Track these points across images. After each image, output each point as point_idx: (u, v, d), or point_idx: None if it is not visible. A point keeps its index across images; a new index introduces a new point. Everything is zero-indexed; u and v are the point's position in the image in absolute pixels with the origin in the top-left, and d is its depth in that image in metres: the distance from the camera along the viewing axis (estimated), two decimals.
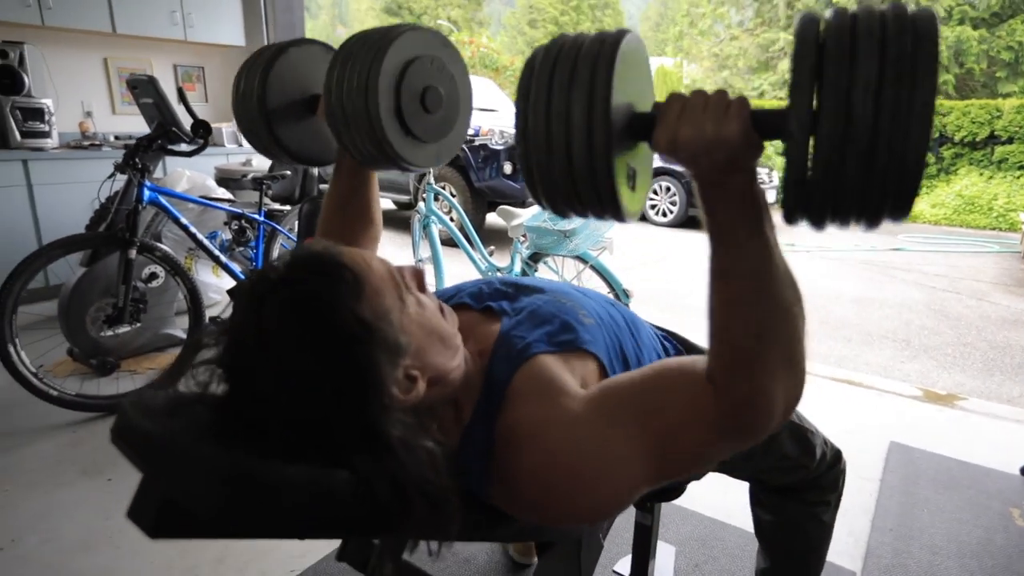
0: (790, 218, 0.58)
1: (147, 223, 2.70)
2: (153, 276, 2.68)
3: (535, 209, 2.89)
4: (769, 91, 14.75)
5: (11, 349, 2.05)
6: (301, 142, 1.00)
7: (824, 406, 2.50)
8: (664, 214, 7.38)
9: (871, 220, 0.55)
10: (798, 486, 1.11)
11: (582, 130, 0.56)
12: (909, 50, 0.49)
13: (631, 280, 4.31)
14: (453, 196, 5.59)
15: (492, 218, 6.04)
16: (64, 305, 2.41)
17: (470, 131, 5.18)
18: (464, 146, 5.41)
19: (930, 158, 9.37)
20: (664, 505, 1.78)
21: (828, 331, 3.59)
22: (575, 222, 2.63)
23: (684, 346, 1.03)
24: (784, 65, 14.66)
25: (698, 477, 0.97)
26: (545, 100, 0.58)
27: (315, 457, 0.57)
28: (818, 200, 0.54)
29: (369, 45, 0.84)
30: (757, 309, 0.60)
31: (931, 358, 3.22)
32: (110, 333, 2.30)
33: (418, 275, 0.71)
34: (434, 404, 0.69)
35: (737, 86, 15.74)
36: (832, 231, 0.59)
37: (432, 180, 3.32)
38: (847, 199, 0.53)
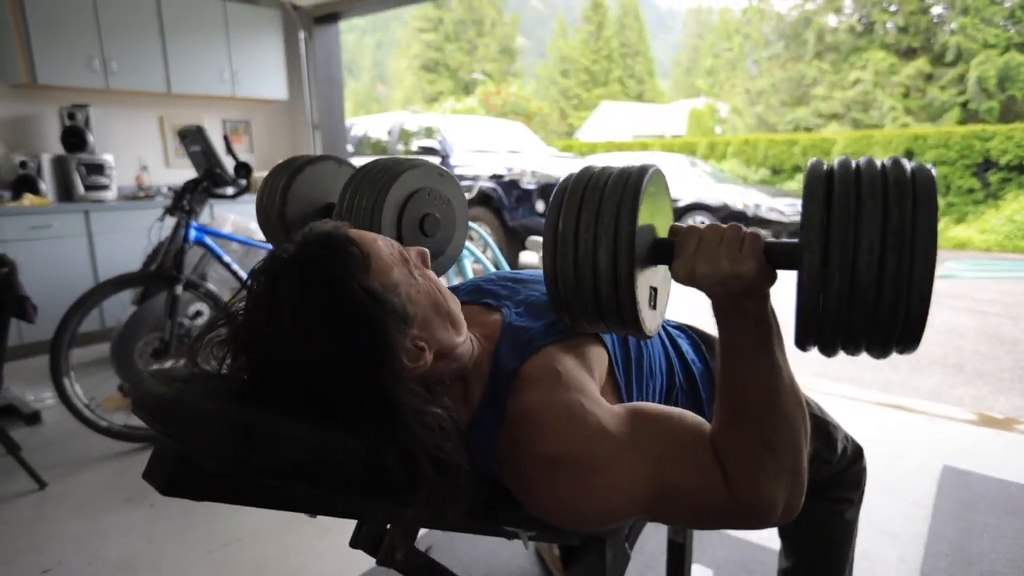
0: (801, 346, 0.61)
1: (194, 264, 2.84)
2: (198, 314, 2.80)
3: None
4: (803, 124, 14.67)
5: (66, 381, 2.17)
6: None
7: (870, 431, 2.39)
8: None
9: (881, 352, 0.59)
10: (820, 483, 1.08)
11: (608, 273, 0.61)
12: (910, 218, 0.52)
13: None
14: (488, 235, 5.69)
15: (526, 256, 6.10)
16: (115, 341, 2.54)
17: (502, 170, 5.27)
18: (498, 186, 5.54)
19: (975, 183, 9.10)
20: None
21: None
22: None
23: (700, 337, 1.03)
24: (818, 91, 14.58)
25: None
26: (572, 245, 0.62)
27: (324, 422, 0.60)
28: (828, 337, 0.58)
29: (375, 181, 0.95)
30: (764, 421, 0.64)
31: (986, 383, 3.06)
32: (157, 367, 2.40)
33: (423, 256, 0.74)
34: (442, 377, 0.71)
35: (771, 120, 15.71)
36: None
37: None
38: (854, 340, 0.57)
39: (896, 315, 0.54)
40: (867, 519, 1.79)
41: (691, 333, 1.04)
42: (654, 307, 0.70)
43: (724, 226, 0.62)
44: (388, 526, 0.69)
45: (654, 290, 0.70)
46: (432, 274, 0.74)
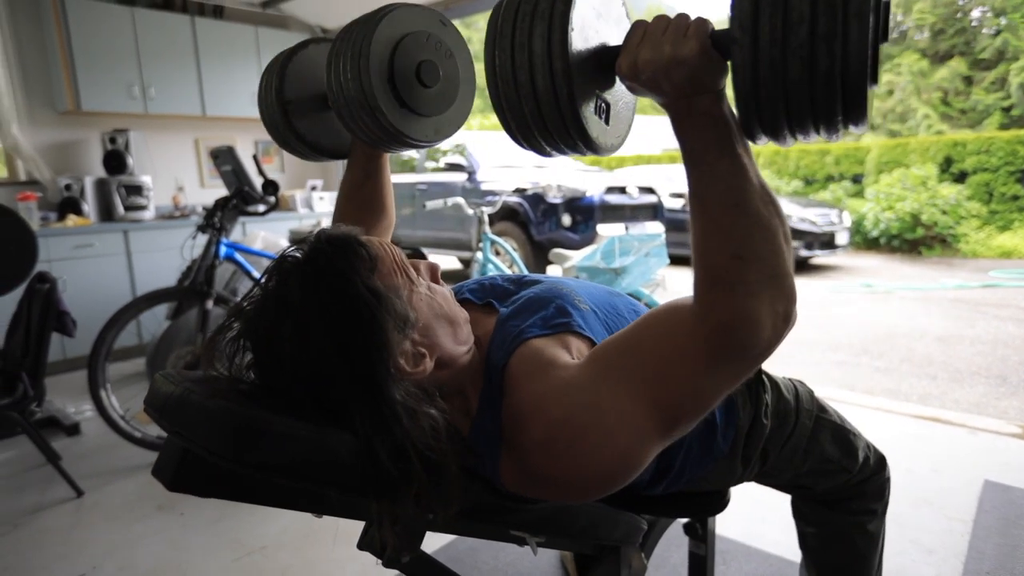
0: (748, 128, 0.58)
1: (226, 280, 2.92)
2: None
3: (587, 251, 2.92)
4: None
5: (103, 393, 2.24)
6: (317, 134, 1.03)
7: (906, 445, 2.31)
8: None
9: (828, 124, 0.55)
10: (841, 494, 1.04)
11: (543, 58, 0.59)
12: None
13: None
14: (514, 250, 5.71)
15: (552, 271, 6.10)
16: (150, 355, 2.62)
17: (528, 184, 5.26)
18: (523, 200, 5.56)
19: (1020, 190, 8.73)
20: (726, 542, 1.69)
21: (910, 369, 3.35)
22: (626, 260, 2.64)
23: None
24: None
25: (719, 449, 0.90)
26: (510, 35, 0.62)
27: (323, 419, 0.61)
28: (769, 104, 0.55)
29: (364, 21, 0.87)
30: (734, 228, 0.60)
31: None
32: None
33: (432, 268, 0.76)
34: (442, 386, 0.72)
35: None
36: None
37: (488, 230, 3.43)
38: (797, 101, 0.54)
39: (833, 66, 0.51)
40: (904, 534, 1.73)
41: None
42: (607, 122, 0.67)
43: (672, 15, 0.60)
44: (382, 526, 0.69)
45: (605, 103, 0.67)
46: (440, 287, 0.75)
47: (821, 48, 0.51)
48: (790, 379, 1.02)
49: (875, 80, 0.55)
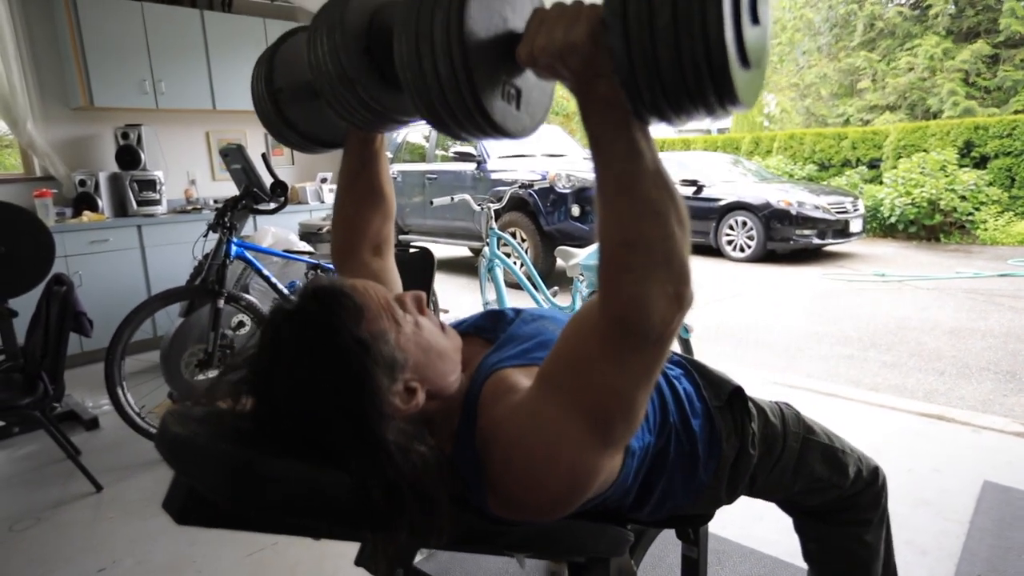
0: (636, 111, 0.60)
1: (237, 276, 2.98)
2: (241, 324, 2.94)
3: (592, 248, 2.94)
4: (855, 115, 14.10)
5: (119, 391, 2.31)
6: (310, 123, 1.01)
7: (907, 443, 2.32)
8: (741, 249, 7.18)
9: (705, 105, 0.57)
10: (834, 507, 1.07)
11: (443, 47, 0.62)
12: None
13: (699, 316, 4.21)
14: (523, 241, 5.72)
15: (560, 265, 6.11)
16: (164, 352, 2.69)
17: (537, 175, 5.20)
18: (532, 192, 5.56)
19: None
20: (721, 541, 1.73)
21: (918, 364, 3.34)
22: None
23: (698, 371, 1.01)
24: (868, 81, 14.02)
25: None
26: (414, 24, 0.64)
27: (320, 460, 0.66)
28: (647, 87, 0.57)
29: None
30: (625, 214, 0.61)
31: None
32: (201, 376, 2.54)
33: (418, 300, 0.79)
34: (433, 417, 0.75)
35: (821, 113, 15.19)
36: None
37: (495, 226, 3.45)
38: (672, 84, 0.56)
39: (695, 48, 0.53)
40: (898, 535, 1.74)
41: (688, 368, 1.01)
42: (518, 108, 0.69)
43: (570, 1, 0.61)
44: (376, 557, 0.73)
45: (515, 89, 0.68)
46: (425, 319, 0.78)
47: (683, 30, 0.53)
48: (776, 402, 1.04)
49: (746, 63, 0.57)
